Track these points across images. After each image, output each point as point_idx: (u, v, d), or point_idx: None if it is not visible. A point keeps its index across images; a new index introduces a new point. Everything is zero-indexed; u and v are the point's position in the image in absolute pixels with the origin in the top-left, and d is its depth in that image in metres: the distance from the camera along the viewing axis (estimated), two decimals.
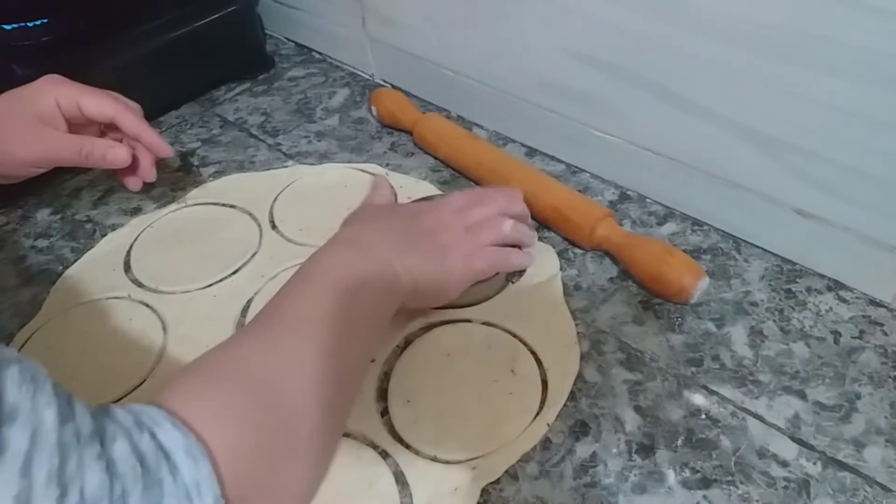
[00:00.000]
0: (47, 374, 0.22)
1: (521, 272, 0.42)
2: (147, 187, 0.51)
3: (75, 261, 0.45)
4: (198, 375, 0.28)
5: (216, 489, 0.23)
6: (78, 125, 0.43)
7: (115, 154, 0.42)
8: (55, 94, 0.41)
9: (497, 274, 0.39)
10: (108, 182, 0.52)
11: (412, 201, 0.45)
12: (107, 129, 0.45)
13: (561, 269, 0.43)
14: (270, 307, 0.32)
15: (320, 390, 0.29)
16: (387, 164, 0.52)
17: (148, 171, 0.45)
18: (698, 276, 0.39)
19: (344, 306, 0.31)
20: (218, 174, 0.52)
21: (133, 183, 0.46)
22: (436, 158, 0.52)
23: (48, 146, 0.41)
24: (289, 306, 0.32)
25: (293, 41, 0.70)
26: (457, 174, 0.51)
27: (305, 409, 0.28)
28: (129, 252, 0.46)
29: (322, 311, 0.31)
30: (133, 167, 0.45)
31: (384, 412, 0.35)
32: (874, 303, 0.40)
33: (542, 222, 0.46)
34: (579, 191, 0.48)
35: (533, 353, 0.38)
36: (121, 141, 0.44)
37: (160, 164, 0.48)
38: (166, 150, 0.45)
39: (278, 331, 0.30)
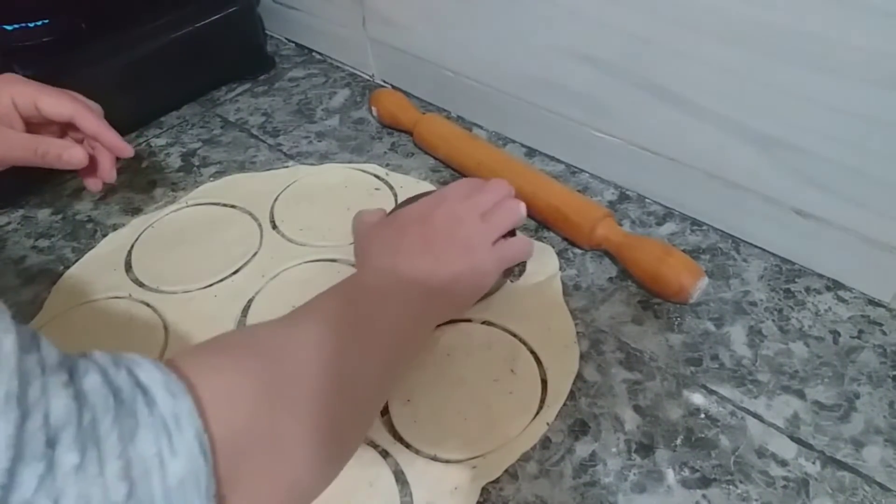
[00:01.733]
0: (6, 308, 0.20)
1: (521, 269, 0.43)
2: (147, 188, 0.51)
3: (76, 261, 0.45)
4: (201, 343, 0.27)
5: (198, 423, 0.21)
6: (36, 125, 0.42)
7: (70, 154, 0.41)
8: (11, 93, 0.40)
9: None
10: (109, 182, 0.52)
11: (405, 200, 0.43)
12: (67, 129, 0.44)
13: (560, 268, 0.43)
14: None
15: (328, 365, 0.28)
16: (387, 165, 0.52)
17: (107, 172, 0.44)
18: (697, 276, 0.39)
19: (346, 310, 0.31)
20: (219, 174, 0.52)
21: (93, 184, 0.45)
22: (436, 159, 0.53)
23: (2, 145, 0.40)
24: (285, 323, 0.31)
25: (294, 42, 0.70)
26: (457, 174, 0.51)
27: (310, 372, 0.27)
28: (130, 252, 0.46)
29: (328, 315, 0.30)
30: (93, 168, 0.44)
31: (384, 411, 0.35)
32: (873, 302, 0.40)
33: (542, 222, 0.46)
34: (579, 191, 0.48)
35: (532, 352, 0.38)
36: (81, 142, 0.43)
37: (161, 165, 0.48)
38: (126, 151, 0.43)
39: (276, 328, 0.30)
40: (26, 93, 0.40)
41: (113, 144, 0.43)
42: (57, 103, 0.41)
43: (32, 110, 0.41)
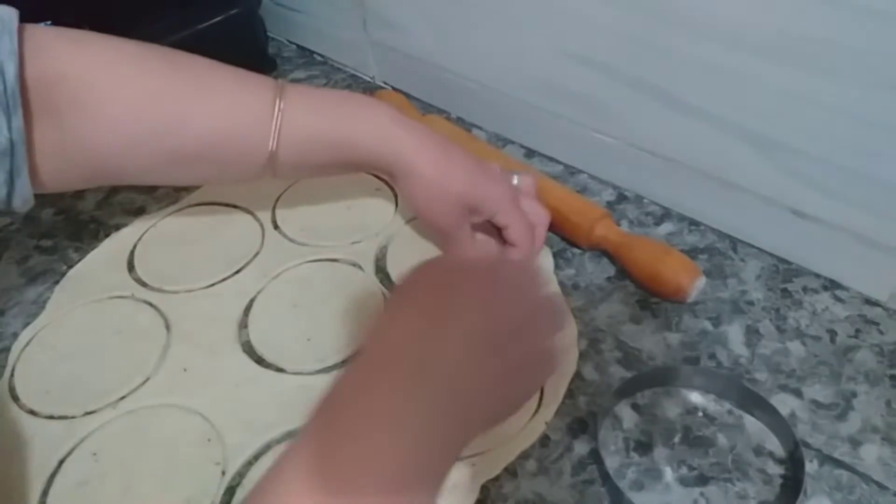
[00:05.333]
0: None
1: None
2: (150, 188, 0.52)
3: (79, 260, 0.46)
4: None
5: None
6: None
7: None
8: (498, 209, 0.38)
9: None
10: None
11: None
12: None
13: (559, 268, 0.43)
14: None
15: None
16: None
17: None
18: (695, 276, 0.39)
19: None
20: None
21: None
22: None
23: (456, 233, 0.39)
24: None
25: (295, 44, 0.70)
26: None
27: None
28: (132, 252, 0.46)
29: None
30: None
31: None
32: (870, 302, 0.40)
33: None
34: (577, 191, 0.48)
35: None
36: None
37: None
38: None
39: None
40: (506, 216, 0.38)
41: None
42: (519, 240, 0.38)
43: (475, 206, 0.38)
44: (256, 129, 0.36)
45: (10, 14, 0.30)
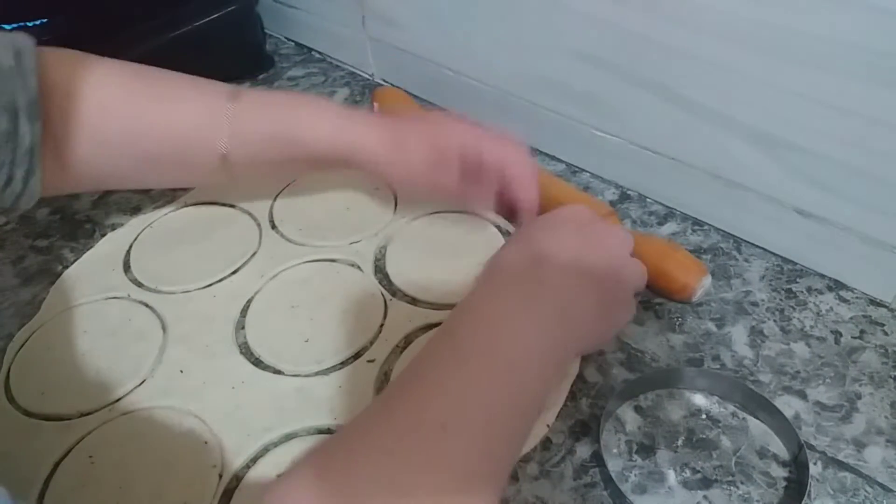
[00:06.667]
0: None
1: None
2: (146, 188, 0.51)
3: (75, 261, 0.45)
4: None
5: None
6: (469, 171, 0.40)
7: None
8: (462, 142, 0.38)
9: None
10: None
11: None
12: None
13: None
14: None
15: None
16: None
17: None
18: (701, 274, 0.39)
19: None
20: None
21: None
22: None
23: (440, 182, 0.39)
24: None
25: (293, 41, 0.70)
26: None
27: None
28: (128, 252, 0.46)
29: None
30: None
31: None
32: (875, 303, 0.40)
33: None
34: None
35: None
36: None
37: None
38: (531, 214, 0.40)
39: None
40: (474, 141, 0.39)
41: (526, 205, 0.39)
42: (498, 150, 0.39)
43: (474, 157, 0.39)
44: (210, 130, 0.39)
45: (29, 38, 0.35)
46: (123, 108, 0.38)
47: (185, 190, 0.51)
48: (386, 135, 0.39)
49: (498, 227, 0.45)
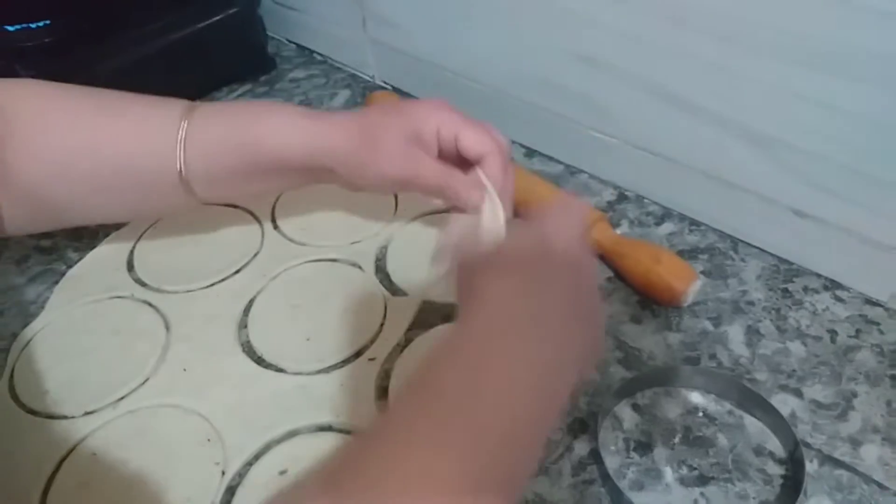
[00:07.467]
0: None
1: None
2: None
3: (78, 260, 0.46)
4: None
5: None
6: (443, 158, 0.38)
7: (470, 197, 0.36)
8: (438, 121, 0.37)
9: None
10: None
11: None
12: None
13: None
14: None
15: None
16: None
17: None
18: (688, 281, 0.39)
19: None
20: None
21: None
22: None
23: (415, 168, 0.36)
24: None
25: (294, 43, 0.70)
26: None
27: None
28: (132, 252, 0.46)
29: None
30: None
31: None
32: (870, 302, 0.40)
33: None
34: (577, 192, 0.48)
35: None
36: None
37: None
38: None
39: None
40: (451, 123, 0.37)
41: (503, 199, 0.37)
42: (477, 141, 0.37)
43: (451, 143, 0.37)
44: (164, 145, 0.37)
45: None
46: (68, 126, 0.37)
47: None
48: (354, 131, 0.36)
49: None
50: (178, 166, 0.37)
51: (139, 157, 0.37)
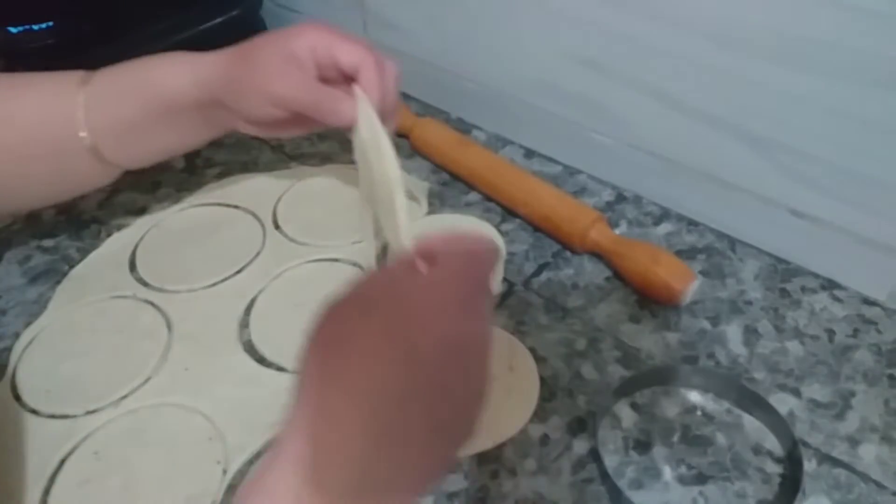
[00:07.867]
0: None
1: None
2: (152, 188, 0.52)
3: (81, 260, 0.46)
4: None
5: None
6: (325, 79, 0.39)
7: (342, 110, 0.37)
8: (312, 40, 0.38)
9: None
10: (114, 182, 0.52)
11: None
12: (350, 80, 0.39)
13: (558, 268, 0.44)
14: None
15: None
16: None
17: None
18: (686, 281, 0.39)
19: None
20: (222, 175, 0.53)
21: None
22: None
23: (289, 85, 0.38)
24: None
25: None
26: (456, 176, 0.51)
27: None
28: (134, 251, 0.46)
29: None
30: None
31: None
32: (868, 301, 0.40)
33: (537, 228, 0.46)
34: (576, 192, 0.48)
35: (531, 349, 0.38)
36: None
37: (165, 166, 0.48)
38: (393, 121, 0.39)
39: None
40: (325, 40, 0.38)
41: (384, 113, 0.37)
42: (351, 52, 0.38)
43: (328, 59, 0.38)
44: (68, 107, 0.38)
45: None
46: None
47: (189, 190, 0.51)
48: (235, 56, 0.38)
49: (497, 227, 0.46)
50: (84, 128, 0.38)
51: (49, 125, 0.39)
